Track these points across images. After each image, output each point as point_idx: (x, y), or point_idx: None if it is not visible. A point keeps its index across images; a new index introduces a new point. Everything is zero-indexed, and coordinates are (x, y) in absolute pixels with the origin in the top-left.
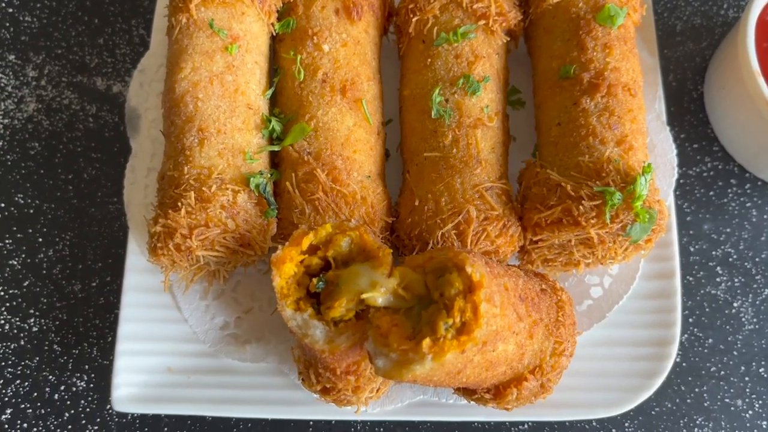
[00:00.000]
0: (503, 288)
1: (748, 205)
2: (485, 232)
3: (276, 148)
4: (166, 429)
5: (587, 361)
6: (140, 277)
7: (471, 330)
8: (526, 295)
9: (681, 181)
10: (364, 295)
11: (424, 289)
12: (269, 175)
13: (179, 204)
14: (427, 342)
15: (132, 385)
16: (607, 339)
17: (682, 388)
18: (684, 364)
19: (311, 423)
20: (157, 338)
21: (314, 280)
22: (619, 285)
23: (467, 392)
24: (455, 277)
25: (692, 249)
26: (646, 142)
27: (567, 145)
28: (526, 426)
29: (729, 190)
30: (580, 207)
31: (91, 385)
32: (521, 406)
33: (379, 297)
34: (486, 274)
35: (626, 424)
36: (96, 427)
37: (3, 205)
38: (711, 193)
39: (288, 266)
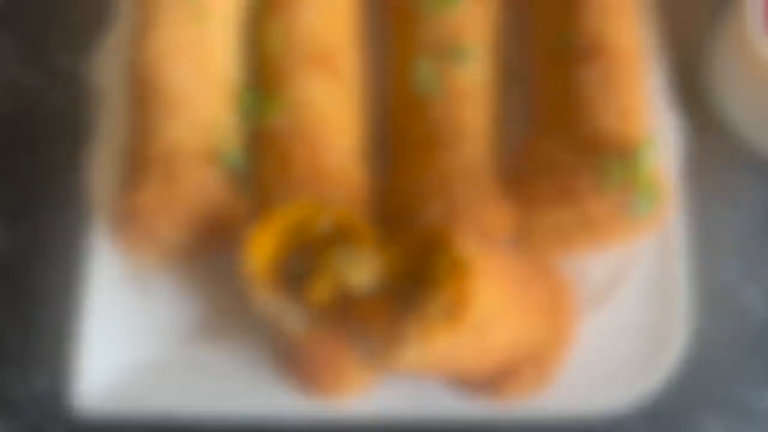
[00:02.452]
0: (497, 268)
1: (755, 183)
2: (478, 210)
3: (250, 124)
4: None
5: (587, 351)
6: (106, 265)
7: (462, 313)
8: (522, 277)
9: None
10: (346, 277)
11: (412, 270)
12: (243, 153)
13: (144, 183)
14: (415, 325)
15: (99, 383)
16: (609, 327)
17: (690, 381)
18: (692, 354)
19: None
20: (128, 329)
21: (292, 262)
22: (621, 268)
23: (460, 385)
24: (444, 257)
25: (697, 231)
26: (648, 114)
27: (565, 117)
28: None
29: (733, 169)
30: (580, 182)
31: (55, 385)
32: (519, 400)
33: (363, 278)
34: (478, 253)
35: (627, 421)
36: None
37: None
38: (715, 171)
39: (262, 249)
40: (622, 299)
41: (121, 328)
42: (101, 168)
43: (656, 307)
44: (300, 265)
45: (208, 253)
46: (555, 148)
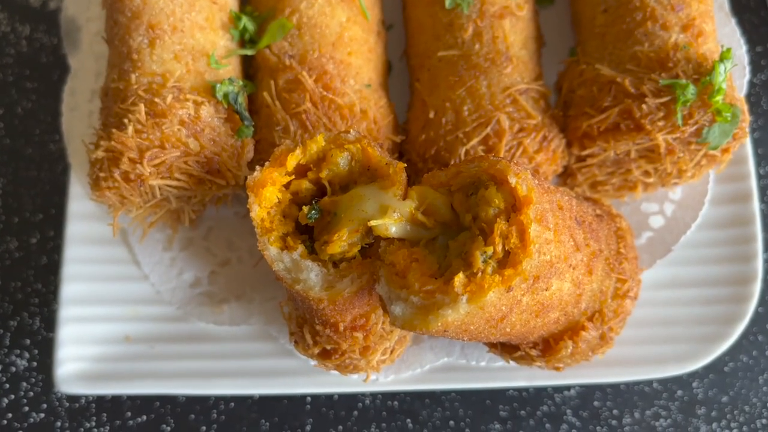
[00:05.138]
0: (556, 206)
1: None
2: (521, 146)
3: (249, 52)
4: (129, 414)
5: (651, 306)
6: (86, 225)
7: (518, 261)
8: (582, 218)
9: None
10: (371, 223)
11: (451, 213)
12: (242, 84)
13: (125, 121)
14: (460, 279)
15: (81, 359)
16: (674, 279)
17: (759, 338)
18: (761, 309)
19: (309, 399)
20: (111, 300)
21: (305, 209)
22: (685, 212)
23: (507, 349)
24: (493, 193)
25: (762, 172)
26: (716, 28)
27: (618, 35)
28: (572, 391)
29: None
30: (644, 106)
31: (34, 364)
32: (576, 365)
33: (391, 225)
34: (535, 186)
35: (694, 384)
36: (42, 415)
37: None
38: None
39: (270, 192)
40: (687, 247)
41: (107, 297)
42: (78, 114)
43: (727, 253)
44: (316, 212)
45: (202, 202)
46: (606, 71)
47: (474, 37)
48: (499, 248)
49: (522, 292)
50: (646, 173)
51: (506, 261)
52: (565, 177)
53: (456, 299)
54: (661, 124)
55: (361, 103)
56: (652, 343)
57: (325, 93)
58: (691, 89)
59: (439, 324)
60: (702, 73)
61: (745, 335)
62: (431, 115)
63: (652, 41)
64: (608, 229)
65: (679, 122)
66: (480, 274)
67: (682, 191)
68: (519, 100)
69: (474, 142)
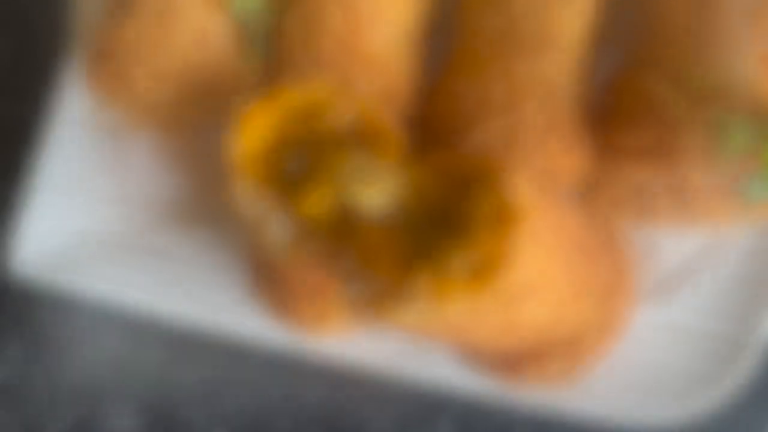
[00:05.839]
0: (558, 225)
1: None
2: (545, 144)
3: None
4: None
5: (638, 349)
6: (77, 106)
7: (493, 274)
8: (580, 244)
9: None
10: (353, 191)
11: (440, 203)
12: (262, 4)
13: (130, 16)
14: (427, 277)
15: (44, 247)
16: (671, 326)
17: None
18: (763, 380)
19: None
20: (87, 193)
21: (290, 157)
22: (703, 257)
23: (469, 357)
24: (488, 194)
25: None
26: None
27: (689, 47)
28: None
29: None
30: (688, 137)
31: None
32: (538, 389)
33: (373, 198)
34: (537, 198)
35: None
36: None
37: None
38: None
39: (258, 127)
40: (694, 295)
41: (84, 187)
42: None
43: (735, 313)
44: (300, 164)
45: (194, 121)
46: (660, 89)
47: (527, 11)
48: (478, 255)
49: (491, 307)
50: (672, 207)
51: (483, 270)
52: (585, 189)
53: (418, 296)
54: (701, 161)
55: (387, 54)
56: (631, 388)
57: (351, 35)
58: (745, 131)
59: (393, 317)
60: (762, 117)
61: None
62: (458, 86)
63: (720, 66)
64: (612, 258)
65: (721, 164)
66: (450, 277)
67: (706, 234)
68: (557, 93)
69: (494, 128)
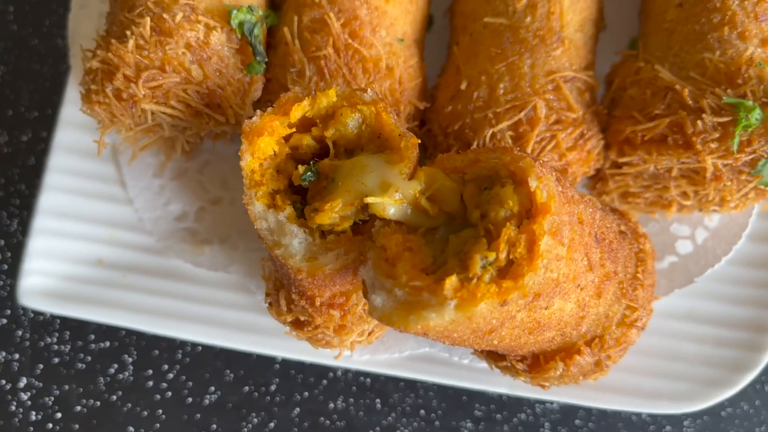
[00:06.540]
0: (576, 220)
1: None
2: (554, 139)
3: None
4: (92, 336)
5: (657, 336)
6: (77, 134)
7: (521, 274)
8: (603, 236)
9: None
10: (368, 199)
11: (459, 205)
12: (262, 15)
13: (128, 33)
14: (452, 281)
15: (48, 275)
16: (688, 312)
17: (767, 388)
18: None
19: (279, 358)
20: (90, 219)
21: (301, 168)
22: (718, 243)
23: (492, 356)
24: (509, 193)
25: None
26: None
27: (688, 35)
28: (555, 404)
29: None
30: (699, 122)
31: (5, 267)
32: (562, 386)
33: (390, 205)
34: (557, 194)
35: (686, 422)
36: (4, 320)
37: None
38: None
39: (267, 142)
40: (711, 281)
41: (86, 214)
42: (87, 12)
43: (753, 295)
44: (312, 173)
45: (198, 135)
46: (671, 72)
47: (528, 8)
48: (503, 256)
49: (518, 307)
50: (685, 195)
51: (507, 271)
52: (596, 181)
53: (443, 303)
54: (713, 146)
55: (389, 58)
56: (650, 375)
57: (350, 41)
58: (757, 113)
59: (420, 326)
60: None
61: (751, 383)
62: (463, 86)
63: (724, 50)
64: (629, 249)
65: (735, 148)
66: (475, 280)
67: (719, 220)
68: (562, 88)
69: (503, 125)
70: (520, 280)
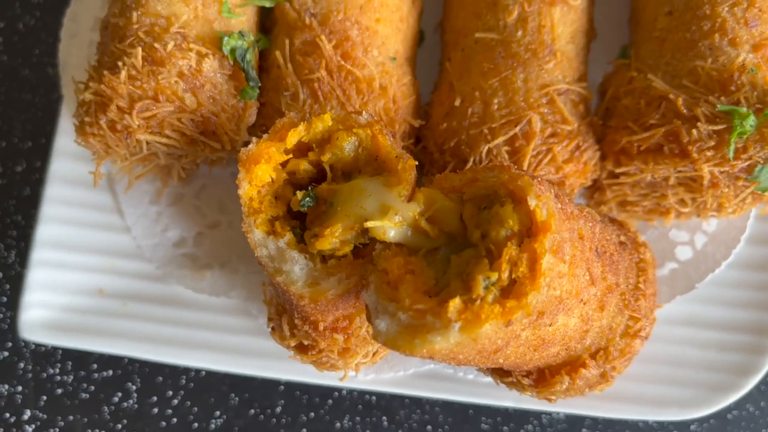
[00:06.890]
0: (577, 236)
1: None
2: (550, 153)
3: (267, 3)
4: (95, 366)
5: (661, 343)
6: (72, 164)
7: (524, 293)
8: (603, 249)
9: None
10: (368, 224)
11: (459, 225)
12: (253, 40)
13: (119, 64)
14: (455, 304)
15: (49, 307)
16: (691, 318)
17: None
18: None
19: (283, 380)
20: (88, 249)
21: (299, 194)
22: (717, 247)
23: (498, 372)
24: (509, 212)
25: None
26: None
27: (680, 43)
28: (561, 415)
29: None
30: (694, 131)
31: (4, 299)
32: (569, 398)
33: (390, 229)
34: (556, 212)
35: (692, 427)
36: (5, 353)
37: None
38: None
39: (264, 169)
40: (712, 286)
41: (84, 244)
42: (77, 42)
43: (754, 298)
44: (310, 199)
45: (194, 162)
46: (664, 81)
47: (518, 22)
48: (505, 275)
49: (522, 326)
50: (683, 202)
51: (510, 291)
52: (593, 191)
53: (448, 325)
54: (709, 153)
55: (382, 77)
56: (656, 382)
57: (343, 62)
58: (751, 120)
59: (425, 350)
60: (767, 104)
61: (756, 385)
62: (457, 102)
63: (716, 57)
64: (630, 260)
65: (731, 155)
66: (479, 301)
67: (717, 224)
68: (556, 101)
69: (499, 140)
70: (524, 300)
